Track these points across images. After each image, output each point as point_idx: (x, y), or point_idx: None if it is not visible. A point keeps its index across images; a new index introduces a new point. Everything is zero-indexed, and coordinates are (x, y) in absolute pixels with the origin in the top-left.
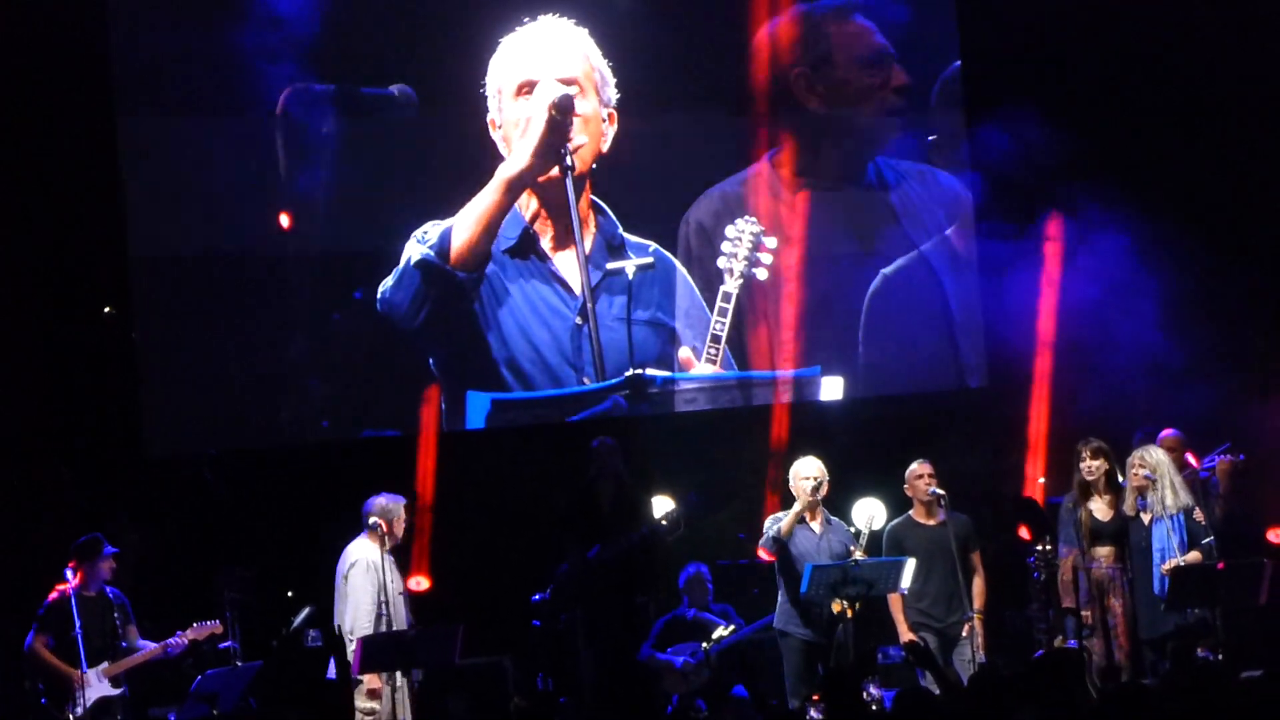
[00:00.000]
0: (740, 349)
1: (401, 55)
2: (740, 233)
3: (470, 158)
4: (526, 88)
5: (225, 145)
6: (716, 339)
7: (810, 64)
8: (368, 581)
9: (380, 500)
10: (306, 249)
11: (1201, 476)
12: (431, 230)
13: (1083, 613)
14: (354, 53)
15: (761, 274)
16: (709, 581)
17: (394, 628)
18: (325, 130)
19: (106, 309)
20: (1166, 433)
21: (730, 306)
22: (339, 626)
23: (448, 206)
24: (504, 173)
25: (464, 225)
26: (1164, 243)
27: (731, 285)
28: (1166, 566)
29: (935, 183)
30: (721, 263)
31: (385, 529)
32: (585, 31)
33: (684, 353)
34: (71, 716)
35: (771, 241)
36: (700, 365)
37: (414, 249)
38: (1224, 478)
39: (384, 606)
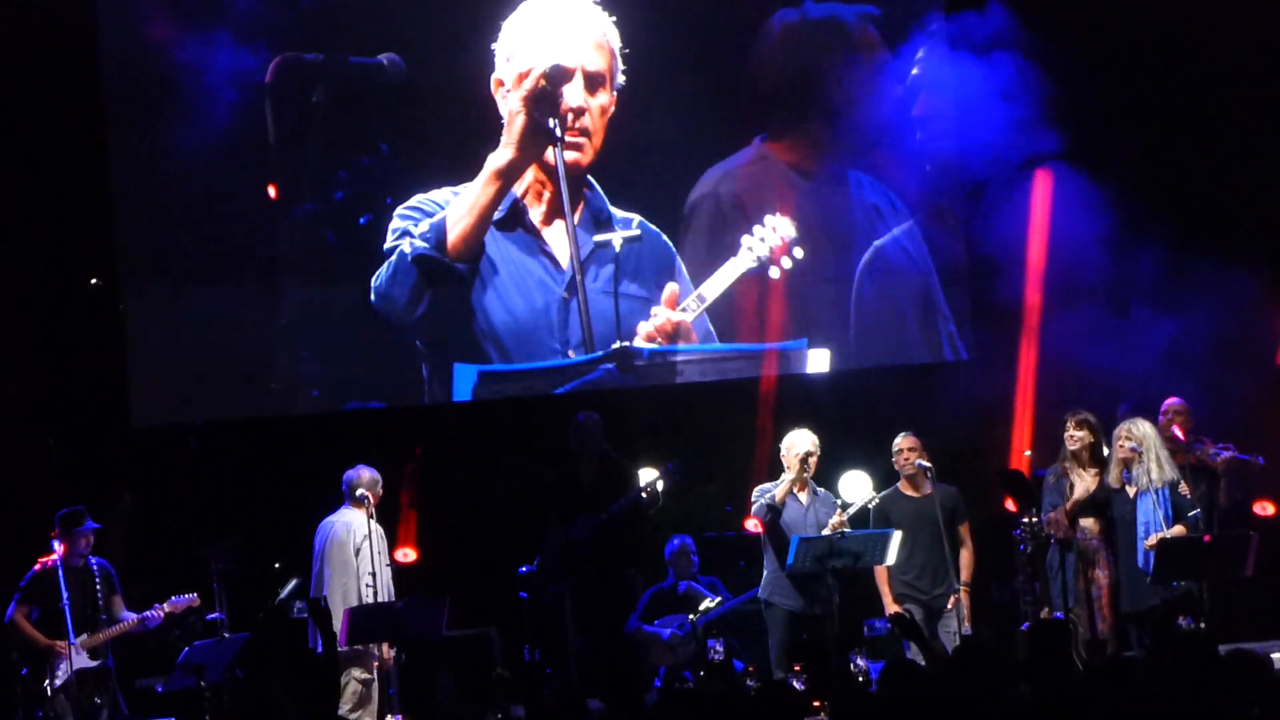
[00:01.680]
0: (729, 319)
1: (393, 26)
2: (776, 226)
3: (462, 127)
4: (547, 73)
5: (213, 117)
6: (702, 299)
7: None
8: (342, 550)
9: (365, 472)
10: (295, 220)
11: (1218, 456)
12: (422, 221)
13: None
14: (342, 24)
15: (775, 273)
16: (694, 553)
17: (381, 599)
18: (315, 100)
19: (93, 279)
20: (1170, 401)
21: (730, 281)
22: (324, 598)
23: (439, 175)
24: (494, 162)
25: (459, 215)
26: (1153, 215)
27: (742, 264)
28: (1150, 541)
29: (923, 153)
30: (745, 240)
31: (373, 500)
32: (608, 16)
33: (669, 290)
34: (50, 688)
35: (800, 252)
36: (675, 312)
37: (407, 243)
38: (1234, 471)
39: (372, 578)
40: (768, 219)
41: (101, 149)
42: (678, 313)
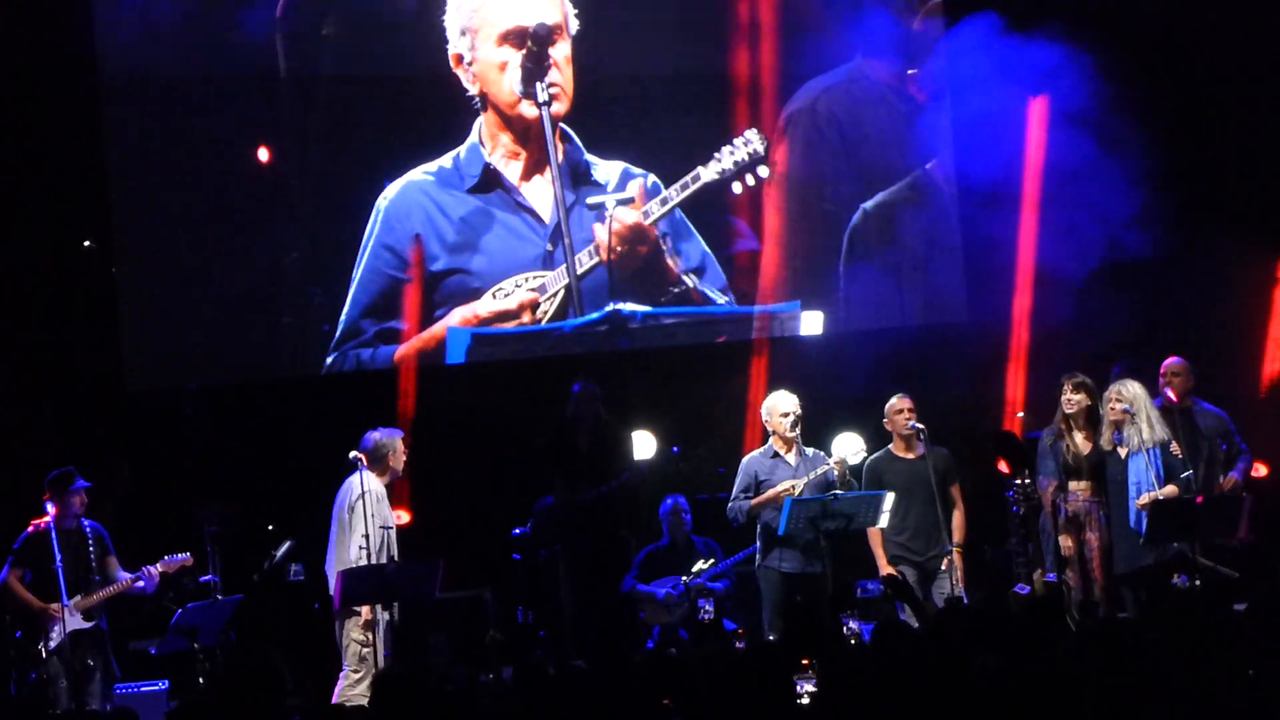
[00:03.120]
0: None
1: None
2: (747, 142)
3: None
4: (515, 34)
5: (208, 77)
6: (666, 201)
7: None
8: (376, 513)
9: (378, 435)
10: (290, 179)
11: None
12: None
13: (1062, 540)
14: None
15: (737, 188)
16: (686, 513)
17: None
18: (325, 32)
19: (86, 242)
20: (1169, 361)
21: (691, 189)
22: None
23: (446, 119)
24: (458, 315)
25: (413, 348)
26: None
27: (706, 175)
28: (1142, 500)
29: (915, 116)
30: (717, 155)
31: (390, 462)
32: None
33: (634, 186)
34: (44, 650)
35: (764, 170)
36: (635, 212)
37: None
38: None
39: (386, 536)
40: (744, 134)
41: (95, 109)
42: (638, 212)
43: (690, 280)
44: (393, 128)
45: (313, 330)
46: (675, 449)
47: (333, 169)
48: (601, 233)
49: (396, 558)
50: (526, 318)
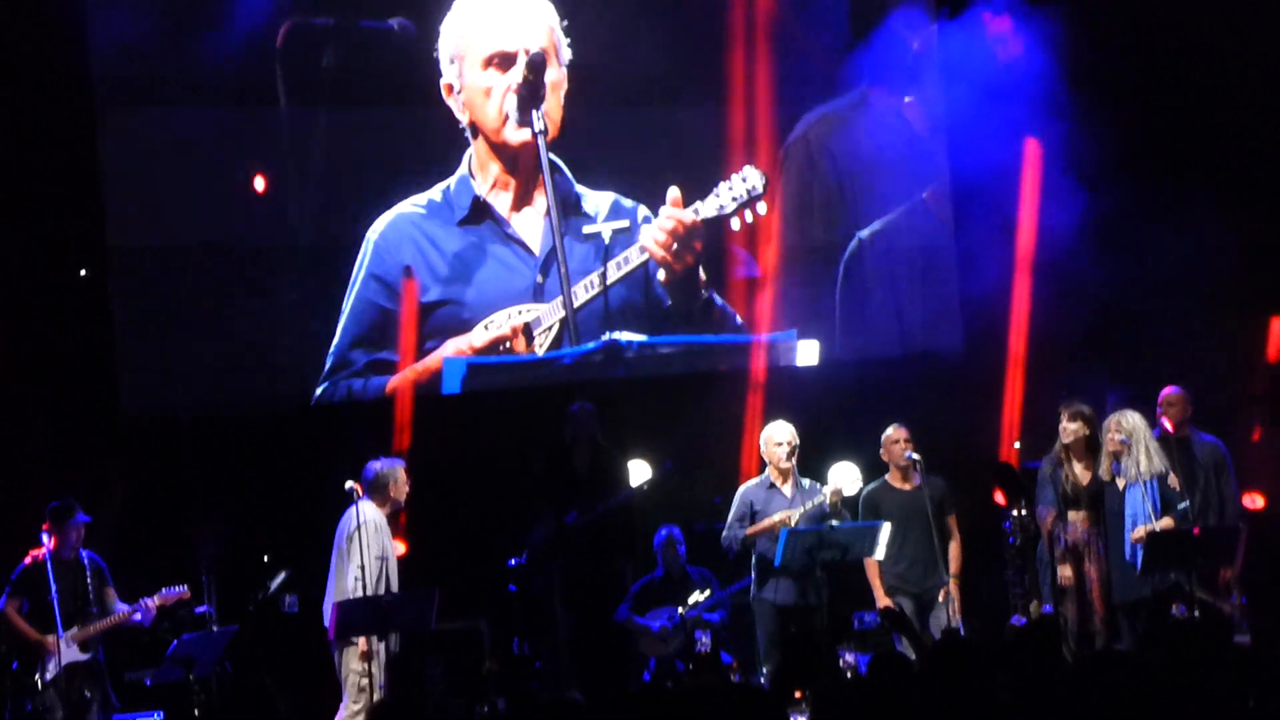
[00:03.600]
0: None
1: None
2: (745, 179)
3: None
4: (499, 59)
5: (204, 105)
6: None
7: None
8: (375, 542)
9: (377, 465)
10: (288, 208)
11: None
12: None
13: (1061, 570)
14: None
15: (735, 224)
16: (680, 544)
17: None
18: (325, 64)
19: (82, 271)
20: (1167, 390)
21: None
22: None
23: (443, 150)
24: (451, 347)
25: (405, 380)
26: (1152, 207)
27: (705, 211)
28: (1137, 533)
29: (911, 144)
30: (715, 191)
31: (390, 492)
32: None
33: (674, 193)
34: (40, 681)
35: (762, 207)
36: (685, 211)
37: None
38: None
39: (384, 567)
40: (745, 169)
41: (90, 137)
42: (689, 212)
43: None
44: (391, 159)
45: (310, 359)
46: (669, 464)
47: (331, 199)
48: (649, 234)
49: (395, 589)
50: (521, 344)
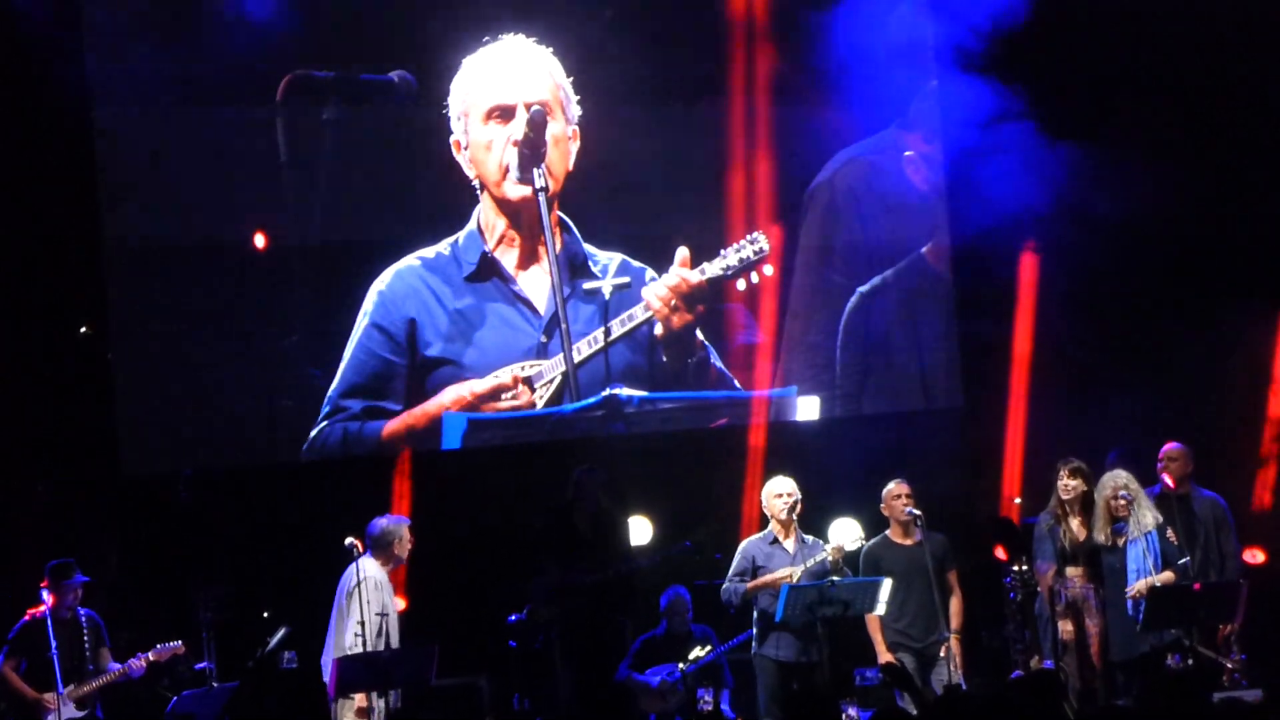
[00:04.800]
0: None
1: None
2: (753, 241)
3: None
4: (498, 112)
5: (205, 162)
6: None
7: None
8: (374, 599)
9: (383, 522)
10: (289, 262)
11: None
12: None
13: (1061, 625)
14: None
15: (740, 284)
16: (689, 610)
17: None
18: (326, 117)
19: (83, 328)
20: (1168, 446)
21: (694, 275)
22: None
23: (444, 208)
24: (452, 393)
25: (404, 424)
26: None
27: (711, 271)
28: (1137, 588)
29: (910, 199)
30: (722, 253)
31: (395, 550)
32: (549, 51)
33: (682, 253)
34: None
35: (769, 269)
36: (692, 272)
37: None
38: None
39: (384, 623)
40: (754, 234)
41: (92, 197)
42: (695, 273)
43: (707, 352)
44: (392, 213)
45: (311, 413)
46: (688, 544)
47: (332, 253)
48: (652, 290)
49: (396, 645)
50: (523, 394)
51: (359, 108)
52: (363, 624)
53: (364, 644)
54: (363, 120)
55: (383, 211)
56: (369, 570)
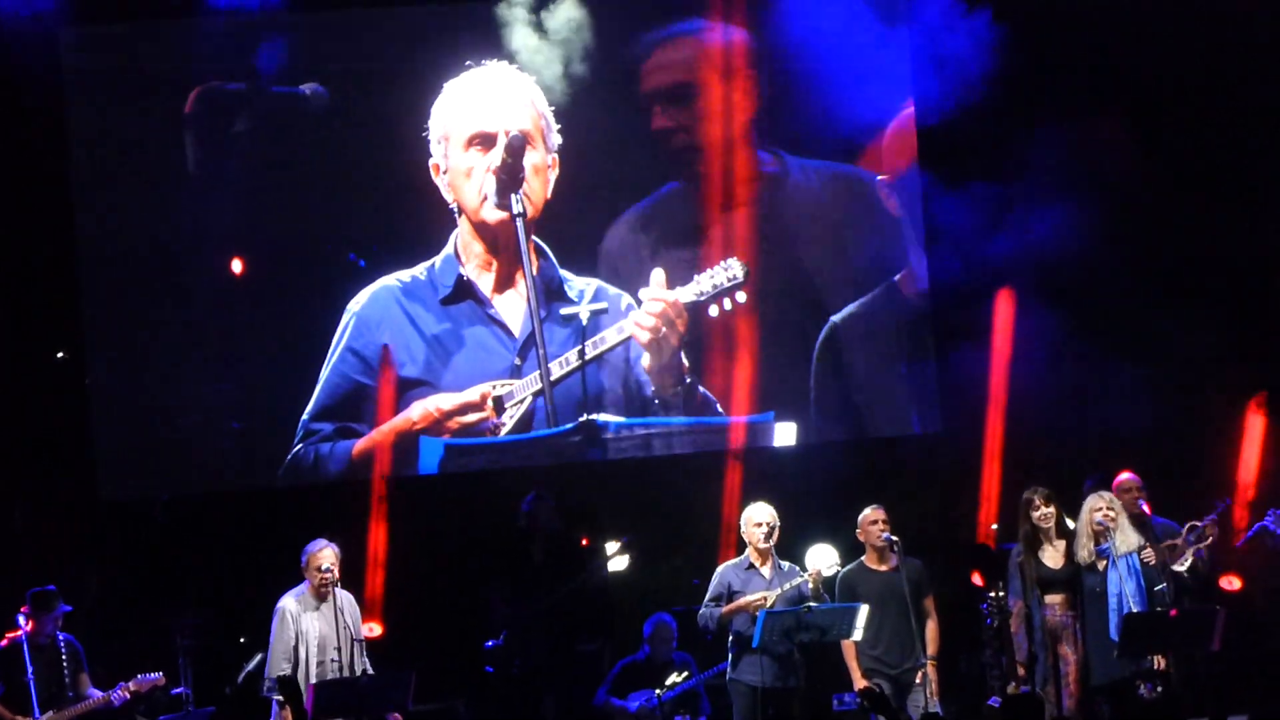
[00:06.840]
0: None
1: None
2: (727, 268)
3: (389, 168)
4: (479, 139)
5: (176, 187)
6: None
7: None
8: (282, 631)
9: (310, 546)
10: (265, 288)
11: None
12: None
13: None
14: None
15: (713, 310)
16: (674, 638)
17: (340, 675)
18: (237, 129)
19: (60, 354)
20: (1123, 475)
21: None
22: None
23: (421, 232)
24: (419, 409)
25: (372, 442)
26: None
27: (684, 297)
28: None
29: (884, 226)
30: (696, 278)
31: (307, 574)
32: (532, 79)
33: (658, 275)
34: None
35: (742, 296)
36: (670, 292)
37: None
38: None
39: (338, 653)
40: (728, 259)
41: (69, 223)
42: (672, 293)
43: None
44: (370, 237)
45: (287, 437)
46: (626, 538)
47: (308, 279)
48: (635, 318)
49: (350, 671)
50: (490, 412)
51: (335, 134)
52: (339, 649)
53: (340, 670)
54: (342, 148)
55: (360, 237)
56: (282, 602)
